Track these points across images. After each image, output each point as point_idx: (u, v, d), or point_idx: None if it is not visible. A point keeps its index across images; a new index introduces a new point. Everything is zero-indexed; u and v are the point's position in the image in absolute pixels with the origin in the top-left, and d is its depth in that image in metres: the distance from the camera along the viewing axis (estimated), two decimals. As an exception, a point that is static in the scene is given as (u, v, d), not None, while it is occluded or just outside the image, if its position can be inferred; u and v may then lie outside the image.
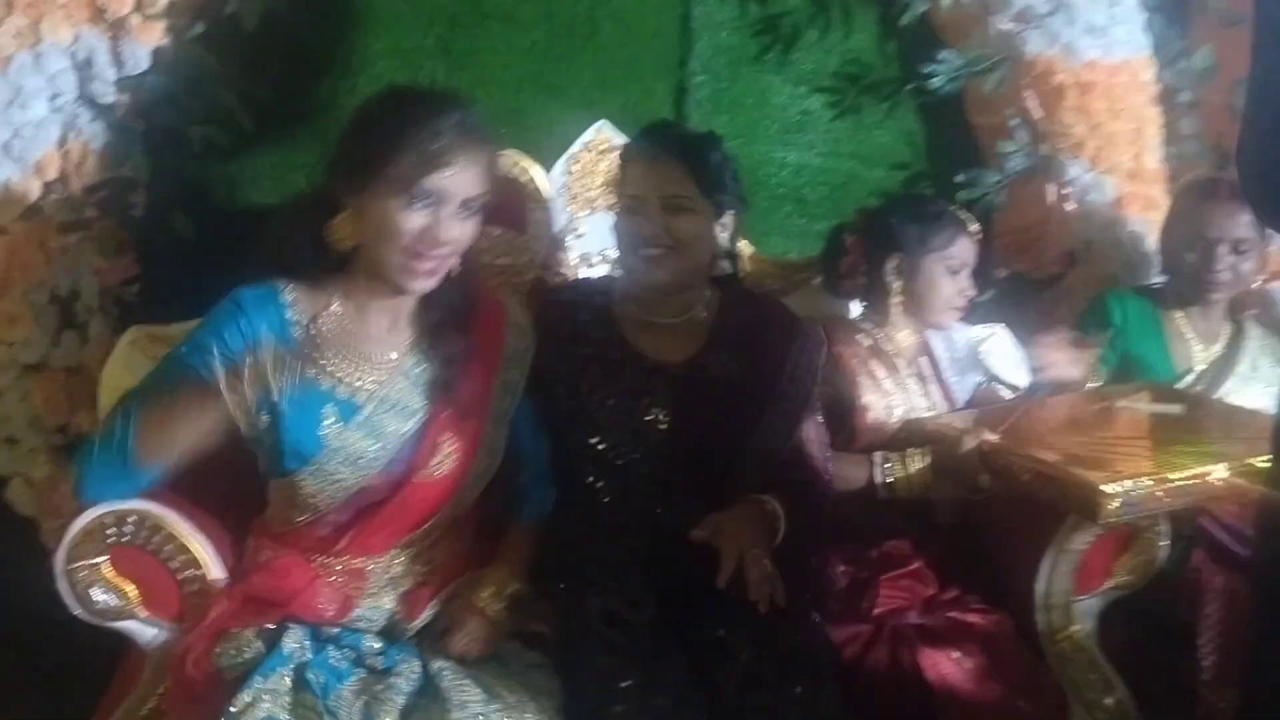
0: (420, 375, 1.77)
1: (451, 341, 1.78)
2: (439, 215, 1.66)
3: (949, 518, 2.19)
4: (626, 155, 2.06)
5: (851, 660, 1.94)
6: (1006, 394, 2.32)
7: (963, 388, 2.31)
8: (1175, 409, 2.16)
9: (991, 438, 2.03)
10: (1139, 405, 2.18)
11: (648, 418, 1.95)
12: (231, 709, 1.57)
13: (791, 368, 2.01)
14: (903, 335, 2.27)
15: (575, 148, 2.37)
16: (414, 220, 1.65)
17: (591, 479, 1.97)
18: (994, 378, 2.35)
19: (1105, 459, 1.92)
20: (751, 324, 2.05)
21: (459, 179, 1.66)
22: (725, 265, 2.11)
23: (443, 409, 1.77)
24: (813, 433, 2.04)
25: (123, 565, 1.77)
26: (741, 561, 1.72)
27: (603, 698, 1.69)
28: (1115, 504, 1.79)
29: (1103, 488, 1.79)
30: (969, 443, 2.02)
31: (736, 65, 2.76)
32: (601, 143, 2.39)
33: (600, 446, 1.95)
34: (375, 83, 2.55)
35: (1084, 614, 2.07)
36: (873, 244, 2.26)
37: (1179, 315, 2.50)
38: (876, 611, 2.03)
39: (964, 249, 2.23)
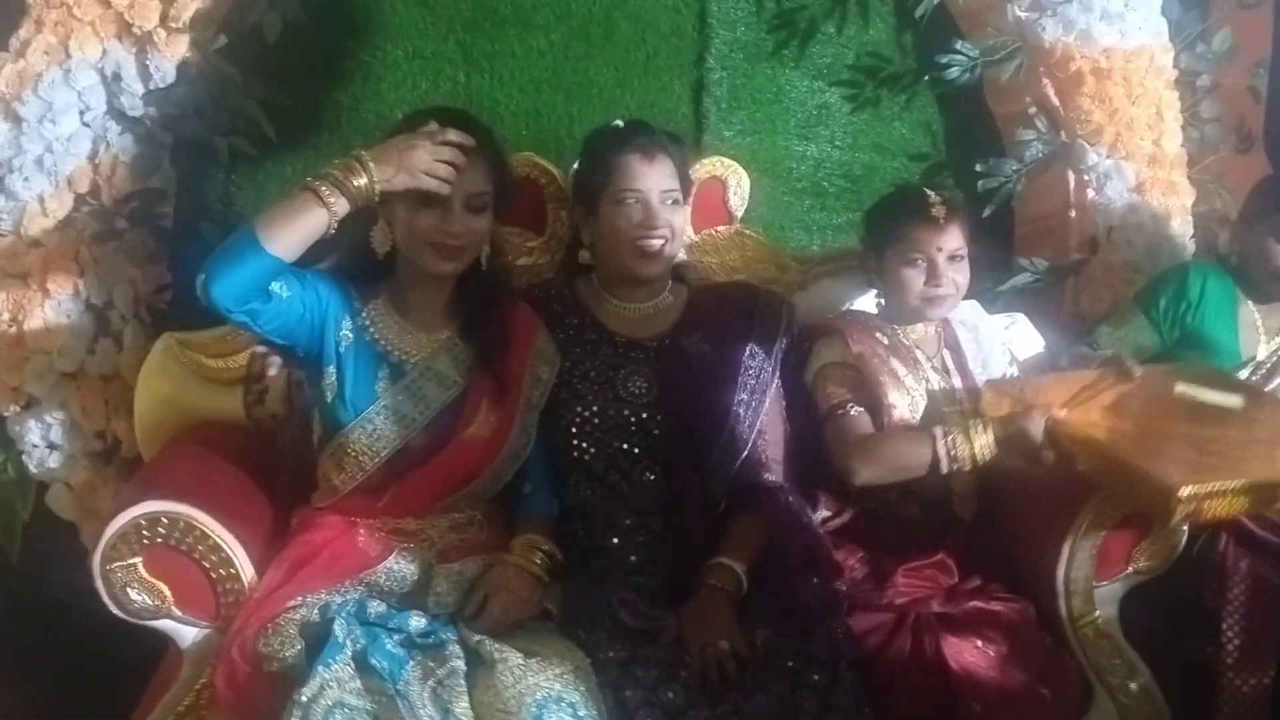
0: (461, 353, 2.03)
1: (490, 328, 2.03)
2: (451, 212, 1.93)
3: (967, 510, 2.19)
4: (614, 151, 2.14)
5: (874, 649, 1.96)
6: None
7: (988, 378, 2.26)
8: (1235, 401, 2.04)
9: (1060, 414, 1.97)
10: (1200, 393, 2.05)
11: (629, 385, 2.10)
12: (301, 697, 1.63)
13: (758, 329, 2.14)
14: (918, 329, 2.25)
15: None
16: (426, 219, 1.92)
17: (579, 451, 2.07)
18: (1010, 355, 2.32)
19: (1168, 451, 1.86)
20: (719, 304, 2.21)
21: (462, 179, 1.91)
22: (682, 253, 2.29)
23: (482, 380, 2.00)
24: (774, 433, 2.10)
25: (157, 566, 1.83)
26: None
27: (620, 680, 1.76)
28: (1189, 508, 1.73)
29: (1180, 492, 1.71)
30: (1037, 418, 1.95)
31: (754, 61, 2.76)
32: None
33: (585, 413, 2.07)
34: (396, 89, 2.61)
35: (1105, 600, 2.08)
36: (863, 243, 2.30)
37: (1251, 303, 2.44)
38: (899, 601, 2.05)
39: (920, 239, 2.14)
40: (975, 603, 2.05)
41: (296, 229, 1.81)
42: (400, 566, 1.91)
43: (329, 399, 1.97)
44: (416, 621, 1.80)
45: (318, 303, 1.95)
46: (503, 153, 2.07)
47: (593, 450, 2.07)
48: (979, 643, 1.98)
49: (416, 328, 2.02)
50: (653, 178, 2.11)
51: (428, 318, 2.03)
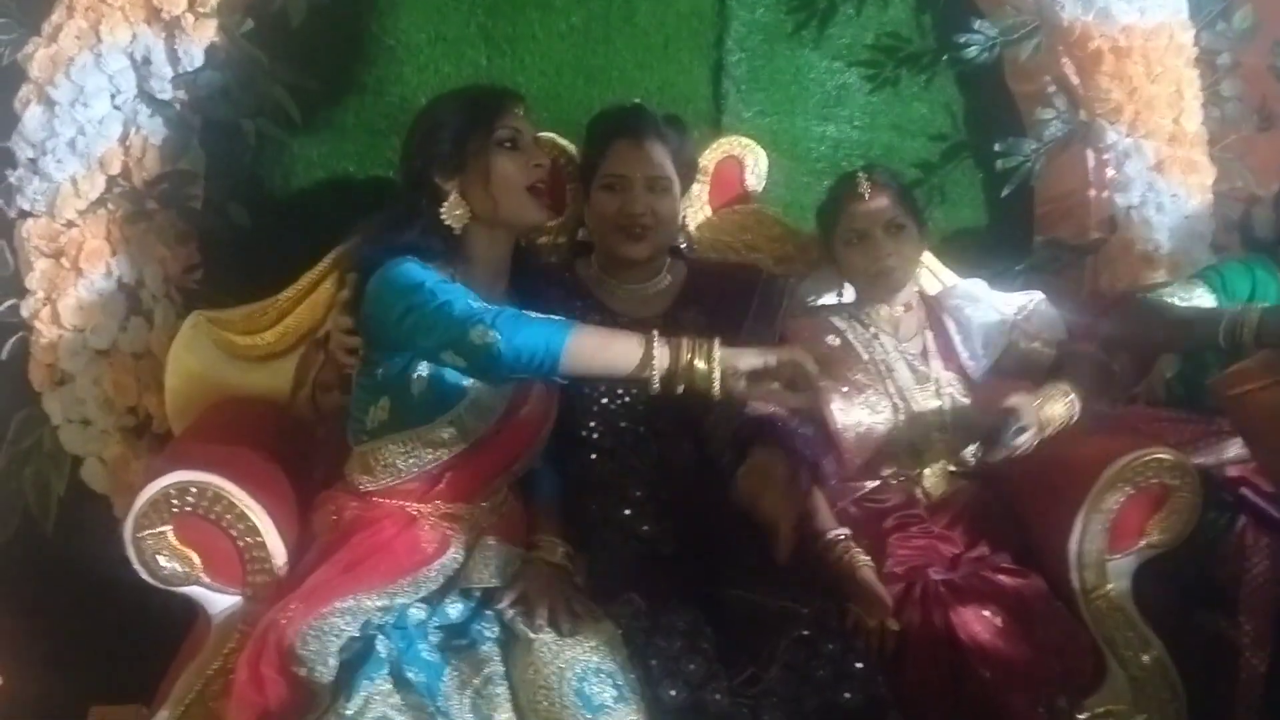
0: None
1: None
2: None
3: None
4: (605, 135, 2.16)
5: (885, 620, 1.99)
6: (1047, 353, 2.28)
7: (984, 358, 2.28)
8: None
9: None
10: None
11: None
12: (346, 711, 1.66)
13: (757, 305, 2.18)
14: (883, 311, 2.28)
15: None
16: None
17: (588, 430, 2.10)
18: (1033, 338, 2.30)
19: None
20: (719, 283, 2.23)
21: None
22: (681, 237, 2.31)
23: None
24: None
25: (186, 534, 1.88)
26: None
27: (644, 651, 1.78)
28: None
29: None
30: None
31: (772, 42, 2.78)
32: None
33: (591, 393, 2.09)
34: (419, 72, 2.64)
35: (1118, 573, 2.09)
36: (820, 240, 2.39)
37: None
38: (898, 570, 2.08)
39: (853, 216, 2.22)
40: (982, 573, 2.07)
41: (599, 365, 1.76)
42: (452, 561, 1.89)
43: (414, 393, 1.90)
44: (453, 608, 1.83)
45: None
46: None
47: (601, 429, 2.10)
48: (986, 613, 1.99)
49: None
50: (639, 163, 2.12)
51: (495, 300, 1.95)
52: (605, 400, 2.10)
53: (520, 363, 1.72)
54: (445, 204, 1.96)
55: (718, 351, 1.71)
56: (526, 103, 2.07)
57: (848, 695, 1.78)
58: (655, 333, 1.74)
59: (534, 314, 1.77)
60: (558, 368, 1.73)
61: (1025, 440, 2.01)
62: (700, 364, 1.70)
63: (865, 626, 1.94)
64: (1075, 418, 2.07)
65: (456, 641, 1.81)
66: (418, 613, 1.81)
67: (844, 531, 2.07)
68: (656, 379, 1.71)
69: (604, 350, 1.74)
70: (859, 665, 1.82)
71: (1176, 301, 2.34)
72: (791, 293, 2.29)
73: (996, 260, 2.78)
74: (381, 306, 1.88)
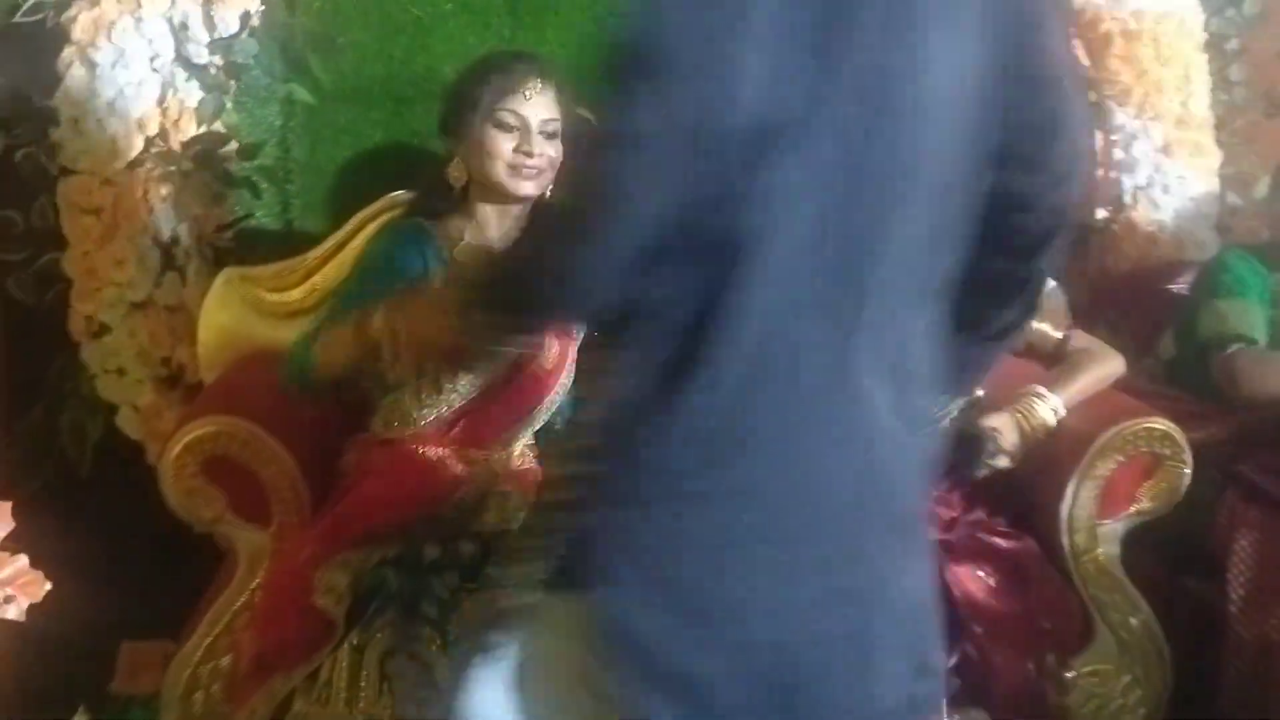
0: None
1: None
2: (529, 135, 2.06)
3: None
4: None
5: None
6: (1054, 336, 2.32)
7: None
8: None
9: None
10: None
11: None
12: (354, 642, 1.80)
13: None
14: None
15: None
16: (505, 141, 2.05)
17: None
18: (1041, 319, 2.31)
19: None
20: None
21: (533, 106, 2.05)
22: None
23: None
24: None
25: (216, 475, 1.98)
26: None
27: None
28: None
29: None
30: None
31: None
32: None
33: None
34: (446, 41, 2.70)
35: (1108, 538, 2.15)
36: None
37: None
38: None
39: None
40: (978, 535, 2.15)
41: None
42: (464, 501, 2.00)
43: None
44: (465, 548, 1.92)
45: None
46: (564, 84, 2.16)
47: None
48: (980, 573, 2.08)
49: None
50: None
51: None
52: None
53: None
54: (451, 164, 2.10)
55: None
56: (557, 83, 2.12)
57: None
58: None
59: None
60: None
61: (1003, 463, 2.08)
62: None
63: None
64: (1060, 417, 2.14)
65: (468, 584, 1.90)
66: (432, 551, 1.91)
67: None
68: None
69: None
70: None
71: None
72: None
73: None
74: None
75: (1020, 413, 2.12)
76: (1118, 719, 2.15)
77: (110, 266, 2.47)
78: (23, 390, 2.55)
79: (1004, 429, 2.08)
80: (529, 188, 2.08)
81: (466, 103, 2.07)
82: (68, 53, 2.47)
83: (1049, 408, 2.13)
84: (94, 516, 2.55)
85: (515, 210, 2.14)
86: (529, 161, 2.05)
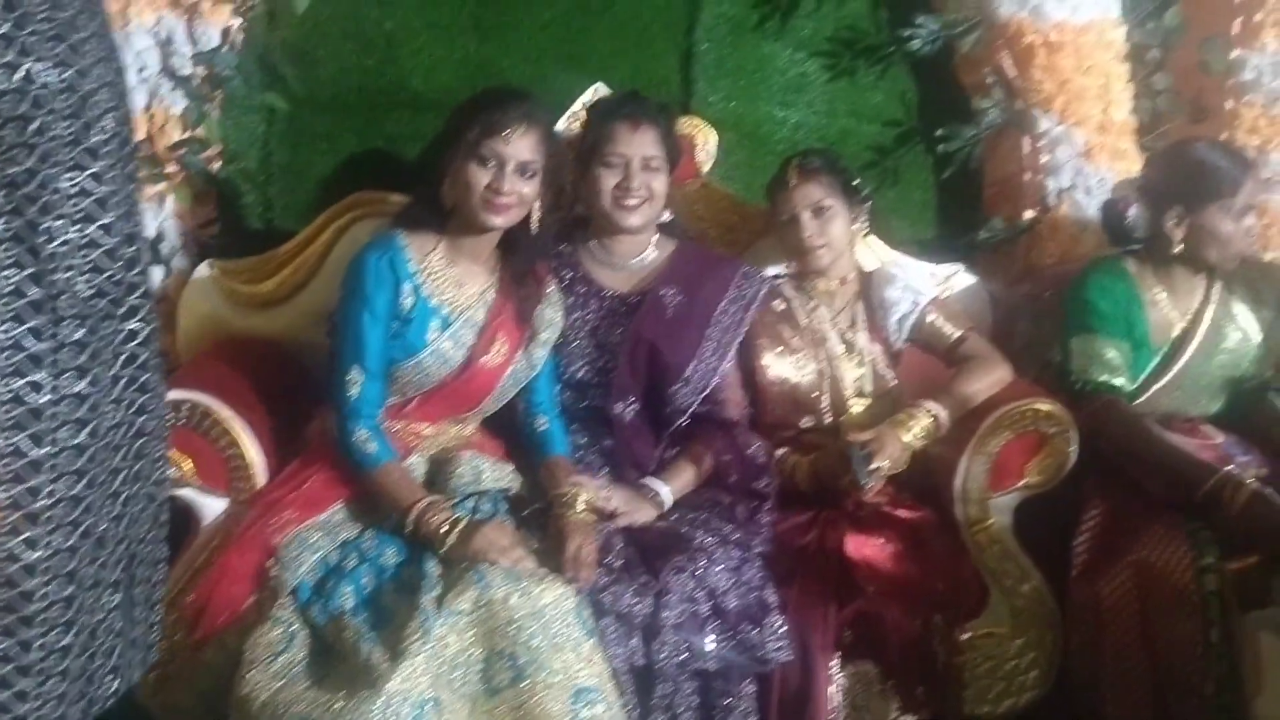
0: (490, 299, 2.28)
1: (530, 286, 2.31)
2: (502, 173, 2.18)
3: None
4: (605, 118, 2.41)
5: (785, 542, 2.25)
6: (950, 333, 2.48)
7: (897, 333, 2.50)
8: None
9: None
10: None
11: (611, 335, 2.39)
12: (317, 621, 2.01)
13: (733, 295, 2.42)
14: (823, 283, 2.51)
15: (575, 107, 2.68)
16: (481, 177, 2.18)
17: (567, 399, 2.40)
18: (945, 316, 2.50)
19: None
20: (698, 269, 2.45)
21: (514, 146, 2.18)
22: (667, 214, 2.51)
23: (501, 318, 2.27)
24: (735, 392, 2.42)
25: (181, 443, 2.19)
26: None
27: None
28: None
29: None
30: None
31: (739, 33, 2.98)
32: (598, 103, 2.70)
33: (570, 367, 2.39)
34: (414, 55, 2.90)
35: (999, 509, 2.33)
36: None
37: (1158, 289, 2.53)
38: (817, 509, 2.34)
39: (785, 198, 2.47)
40: (882, 509, 2.32)
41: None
42: (412, 467, 2.22)
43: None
44: (389, 557, 2.11)
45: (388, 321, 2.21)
46: (553, 126, 2.37)
47: (569, 395, 2.41)
48: (880, 540, 2.26)
49: (464, 278, 2.26)
50: (636, 144, 2.36)
51: (475, 269, 2.28)
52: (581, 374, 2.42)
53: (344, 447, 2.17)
54: (443, 184, 2.24)
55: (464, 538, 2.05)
56: (544, 125, 2.27)
57: (736, 601, 2.06)
58: (422, 501, 2.10)
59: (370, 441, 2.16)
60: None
61: (882, 472, 2.23)
62: (444, 532, 2.06)
63: None
64: (943, 426, 2.30)
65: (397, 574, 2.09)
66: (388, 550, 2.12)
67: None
68: (408, 526, 2.09)
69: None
70: (752, 572, 2.11)
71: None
72: (770, 287, 2.49)
73: (951, 236, 3.03)
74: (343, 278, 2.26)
75: (900, 424, 2.27)
76: (1011, 679, 2.31)
77: (100, 260, 2.69)
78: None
79: (882, 441, 2.24)
80: (497, 220, 2.21)
81: (455, 135, 2.21)
82: (63, 65, 2.70)
83: (930, 415, 2.28)
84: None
85: (486, 238, 2.29)
86: (497, 199, 2.18)
